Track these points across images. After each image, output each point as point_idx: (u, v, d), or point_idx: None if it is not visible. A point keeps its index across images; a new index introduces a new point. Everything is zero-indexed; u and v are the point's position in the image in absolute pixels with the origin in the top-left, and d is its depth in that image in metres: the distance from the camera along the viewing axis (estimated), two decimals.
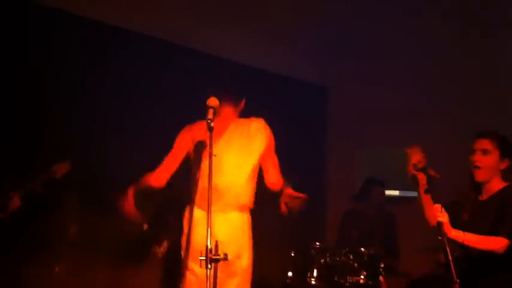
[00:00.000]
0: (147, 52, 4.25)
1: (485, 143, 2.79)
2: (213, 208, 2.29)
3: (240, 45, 4.95)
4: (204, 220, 2.33)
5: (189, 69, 4.48)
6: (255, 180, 3.10)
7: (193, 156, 3.00)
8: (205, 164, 2.59)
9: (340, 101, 5.88)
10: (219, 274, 2.38)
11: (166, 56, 4.36)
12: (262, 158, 3.11)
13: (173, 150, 3.06)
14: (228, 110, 3.09)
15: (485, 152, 2.78)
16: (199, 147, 2.89)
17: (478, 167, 2.78)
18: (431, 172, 2.80)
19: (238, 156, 3.01)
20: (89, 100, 3.87)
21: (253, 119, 3.21)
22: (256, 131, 3.15)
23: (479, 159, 2.77)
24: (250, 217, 3.09)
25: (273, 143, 3.20)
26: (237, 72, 4.88)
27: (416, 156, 2.79)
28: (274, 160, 3.19)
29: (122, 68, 4.01)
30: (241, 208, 3.03)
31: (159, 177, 2.99)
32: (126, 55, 4.07)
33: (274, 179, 3.15)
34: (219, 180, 2.67)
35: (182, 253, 2.94)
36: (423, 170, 2.81)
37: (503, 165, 2.78)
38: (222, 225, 2.83)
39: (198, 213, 2.84)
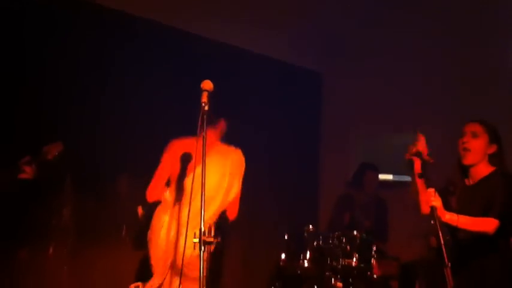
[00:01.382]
0: (142, 36, 4.22)
1: (475, 126, 2.83)
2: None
3: (236, 31, 4.92)
4: None
5: (185, 54, 4.47)
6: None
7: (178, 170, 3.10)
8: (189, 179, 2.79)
9: (336, 87, 5.87)
10: None
11: (162, 40, 4.33)
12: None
13: (161, 165, 3.17)
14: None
15: (474, 134, 2.82)
16: (185, 160, 3.02)
17: (466, 149, 2.81)
18: (426, 157, 2.83)
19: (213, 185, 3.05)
20: (84, 83, 3.84)
21: (233, 148, 3.27)
22: (233, 163, 3.23)
23: (468, 140, 2.81)
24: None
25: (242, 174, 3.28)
26: (233, 57, 4.87)
27: (421, 142, 2.81)
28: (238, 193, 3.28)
29: (118, 51, 3.98)
30: None
31: (152, 194, 3.15)
32: (122, 38, 4.04)
33: (233, 213, 3.26)
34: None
35: None
36: (419, 155, 2.84)
37: (491, 150, 2.82)
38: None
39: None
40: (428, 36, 5.11)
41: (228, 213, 3.25)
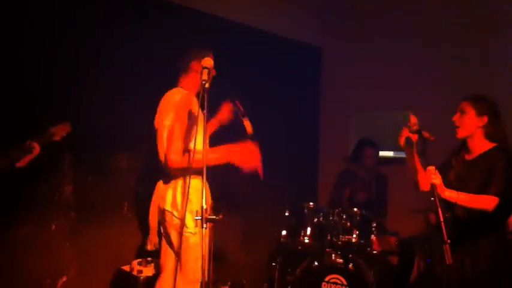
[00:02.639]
0: (146, 11, 4.16)
1: (464, 104, 2.95)
2: None
3: (236, 5, 4.87)
4: None
5: (187, 28, 4.42)
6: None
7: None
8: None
9: (335, 62, 5.83)
10: None
11: (162, 16, 4.28)
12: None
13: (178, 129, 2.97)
14: None
15: (462, 111, 2.94)
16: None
17: (456, 126, 2.95)
18: (426, 134, 2.84)
19: None
20: (87, 61, 3.80)
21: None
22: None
23: (456, 118, 2.95)
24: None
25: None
26: (232, 31, 4.82)
27: (413, 119, 2.86)
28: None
29: (120, 29, 3.93)
30: None
31: (177, 158, 2.84)
32: (126, 15, 3.99)
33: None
34: None
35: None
36: (418, 132, 2.85)
37: (481, 122, 2.89)
38: None
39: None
40: (430, 12, 5.06)
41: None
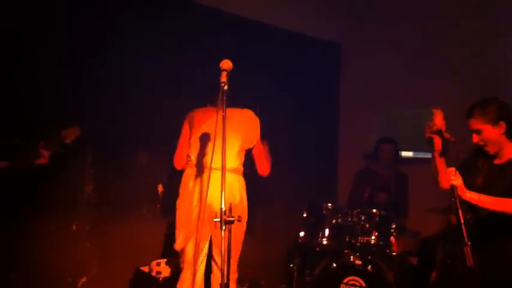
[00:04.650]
0: (157, 11, 4.18)
1: (473, 124, 2.79)
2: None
3: (255, 2, 4.86)
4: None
5: (203, 27, 4.43)
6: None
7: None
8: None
9: (355, 59, 5.76)
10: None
11: (177, 14, 4.29)
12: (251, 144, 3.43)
13: (182, 136, 3.42)
14: None
15: (478, 132, 2.79)
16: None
17: (482, 145, 2.81)
18: (447, 135, 2.79)
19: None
20: (104, 62, 3.84)
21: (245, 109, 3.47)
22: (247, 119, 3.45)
23: (477, 139, 2.81)
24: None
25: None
26: (252, 29, 4.82)
27: (438, 118, 2.76)
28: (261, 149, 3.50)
29: (134, 29, 3.96)
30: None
31: (178, 162, 3.41)
32: (135, 16, 4.01)
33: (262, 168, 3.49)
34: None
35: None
36: (438, 132, 2.80)
37: (501, 130, 2.76)
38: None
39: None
40: (452, 7, 4.98)
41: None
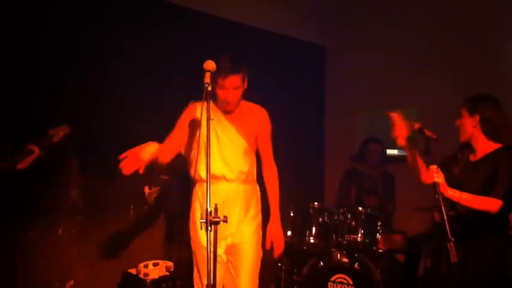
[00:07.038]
0: (146, 14, 4.19)
1: (462, 108, 2.95)
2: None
3: (239, 5, 4.88)
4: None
5: (188, 30, 4.44)
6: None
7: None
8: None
9: (339, 61, 5.82)
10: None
11: (165, 18, 4.30)
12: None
13: (175, 129, 3.07)
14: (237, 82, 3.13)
15: (460, 115, 2.95)
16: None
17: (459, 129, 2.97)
18: (427, 132, 2.82)
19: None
20: (90, 64, 3.83)
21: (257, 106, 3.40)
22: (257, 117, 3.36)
23: (458, 123, 2.97)
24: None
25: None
26: (236, 32, 4.84)
27: (399, 123, 2.84)
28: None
29: (122, 30, 3.96)
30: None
31: (162, 155, 2.92)
32: (126, 17, 4.01)
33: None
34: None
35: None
36: (419, 131, 2.84)
37: (474, 122, 2.87)
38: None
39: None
40: (433, 9, 5.05)
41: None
